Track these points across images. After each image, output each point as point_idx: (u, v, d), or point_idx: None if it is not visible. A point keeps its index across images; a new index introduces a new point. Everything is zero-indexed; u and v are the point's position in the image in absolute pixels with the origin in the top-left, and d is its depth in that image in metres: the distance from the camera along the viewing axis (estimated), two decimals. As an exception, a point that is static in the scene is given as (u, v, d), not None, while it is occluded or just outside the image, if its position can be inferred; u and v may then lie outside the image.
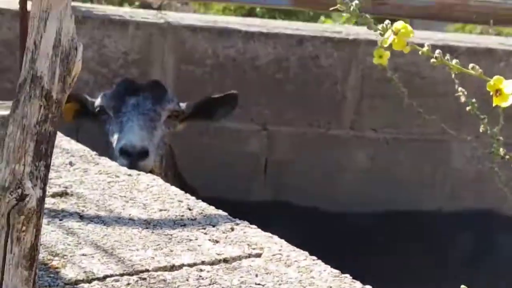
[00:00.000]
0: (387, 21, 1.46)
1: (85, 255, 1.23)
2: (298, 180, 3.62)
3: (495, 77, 1.26)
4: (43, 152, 0.94)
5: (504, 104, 1.28)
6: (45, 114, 0.95)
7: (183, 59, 3.43)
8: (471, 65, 1.35)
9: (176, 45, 3.42)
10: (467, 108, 2.23)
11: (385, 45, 1.42)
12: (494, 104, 1.29)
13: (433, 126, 3.61)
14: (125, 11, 3.56)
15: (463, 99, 2.20)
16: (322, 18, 6.41)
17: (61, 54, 0.98)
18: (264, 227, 3.02)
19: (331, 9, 1.85)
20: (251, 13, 10.34)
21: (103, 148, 3.28)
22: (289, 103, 3.53)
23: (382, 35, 1.42)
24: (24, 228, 0.92)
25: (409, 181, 3.70)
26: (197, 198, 3.11)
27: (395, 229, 3.32)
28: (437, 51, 1.36)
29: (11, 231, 0.92)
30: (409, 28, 1.42)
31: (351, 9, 1.49)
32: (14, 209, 0.91)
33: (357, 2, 1.49)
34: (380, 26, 1.46)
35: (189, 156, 3.50)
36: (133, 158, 2.59)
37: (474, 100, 1.82)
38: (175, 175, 3.00)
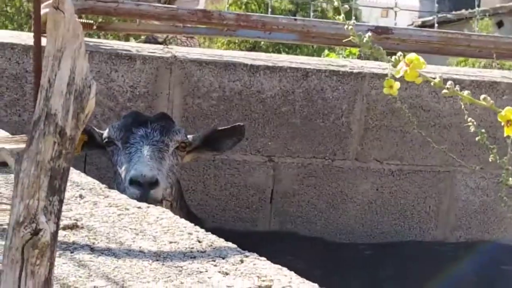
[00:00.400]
0: (399, 53, 1.49)
1: (97, 287, 1.25)
2: (304, 210, 3.65)
3: (507, 108, 1.29)
4: (57, 187, 0.97)
5: (517, 135, 1.31)
6: (59, 150, 0.97)
7: (189, 92, 3.47)
8: (482, 96, 1.38)
9: (183, 78, 3.45)
10: (477, 138, 2.25)
11: (398, 76, 1.46)
12: (505, 134, 1.32)
13: (437, 157, 3.63)
14: (132, 46, 3.60)
15: (472, 129, 2.23)
16: (326, 51, 6.47)
17: (75, 92, 1.00)
18: (271, 257, 3.04)
19: (344, 40, 1.89)
20: (255, 47, 10.42)
21: (110, 179, 3.32)
22: (295, 135, 3.56)
23: (394, 66, 1.46)
24: (38, 262, 0.94)
25: (413, 211, 3.72)
26: (203, 228, 3.15)
27: (400, 259, 3.32)
28: (449, 82, 1.39)
29: (25, 265, 0.94)
30: (421, 60, 1.45)
31: (364, 41, 1.53)
32: (28, 243, 0.93)
33: (369, 34, 1.53)
34: (393, 58, 1.50)
35: (196, 187, 3.53)
36: (144, 188, 2.62)
37: (483, 130, 1.85)
38: (182, 206, 3.02)
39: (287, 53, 9.90)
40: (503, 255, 3.32)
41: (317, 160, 3.60)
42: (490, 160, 2.14)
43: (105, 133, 2.93)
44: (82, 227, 1.48)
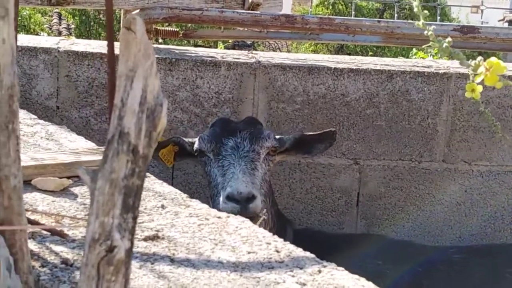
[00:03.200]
0: (479, 58, 1.47)
1: (175, 299, 1.27)
2: (391, 213, 3.62)
3: None
4: (131, 205, 0.99)
5: None
6: (132, 168, 1.00)
7: (274, 97, 3.49)
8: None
9: (267, 83, 3.48)
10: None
11: (477, 81, 1.44)
12: None
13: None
14: (217, 52, 3.64)
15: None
16: (414, 50, 6.39)
17: (147, 110, 1.02)
18: (360, 260, 3.03)
19: (424, 46, 1.88)
20: (342, 47, 10.40)
21: (198, 184, 3.37)
22: (380, 137, 3.54)
23: (474, 70, 1.44)
24: (113, 278, 0.97)
25: (504, 213, 3.65)
26: (293, 228, 3.16)
27: (491, 263, 3.26)
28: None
29: (101, 281, 0.97)
30: (502, 64, 1.43)
31: (444, 46, 1.51)
32: (104, 260, 0.96)
33: (450, 39, 1.51)
34: (472, 63, 1.48)
35: (282, 190, 3.55)
36: (242, 203, 2.69)
37: None
38: (273, 203, 3.06)
39: (374, 53, 9.83)
40: None
41: (403, 162, 3.57)
42: None
43: (196, 145, 2.97)
44: (163, 238, 1.51)
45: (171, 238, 1.51)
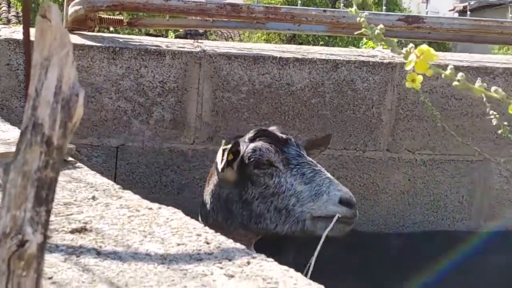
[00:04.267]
0: (410, 45, 1.47)
1: (99, 292, 1.25)
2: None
3: (517, 100, 1.25)
4: (44, 198, 0.97)
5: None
6: (45, 160, 0.98)
7: (219, 86, 3.47)
8: (493, 88, 1.35)
9: (212, 73, 3.46)
10: (499, 132, 2.22)
11: (408, 68, 1.43)
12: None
13: (470, 147, 3.58)
14: (162, 41, 3.61)
15: (495, 122, 2.19)
16: (364, 39, 6.41)
17: (62, 101, 1.00)
18: (303, 248, 3.04)
19: (356, 33, 1.87)
20: (294, 37, 10.40)
21: (141, 174, 3.33)
22: (325, 127, 3.55)
23: (405, 58, 1.43)
24: (24, 273, 0.95)
25: (446, 201, 3.68)
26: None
27: (433, 249, 3.30)
28: (460, 74, 1.37)
29: (11, 277, 0.94)
30: (432, 51, 1.43)
31: (375, 32, 1.51)
32: (15, 254, 0.94)
33: (382, 26, 1.51)
34: (404, 50, 1.47)
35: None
36: (355, 207, 2.71)
37: (506, 123, 1.82)
38: None
39: (326, 43, 9.85)
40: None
41: (348, 151, 3.58)
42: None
43: (263, 156, 2.85)
44: (91, 230, 1.49)
45: (99, 230, 1.49)
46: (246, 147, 2.88)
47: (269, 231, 2.83)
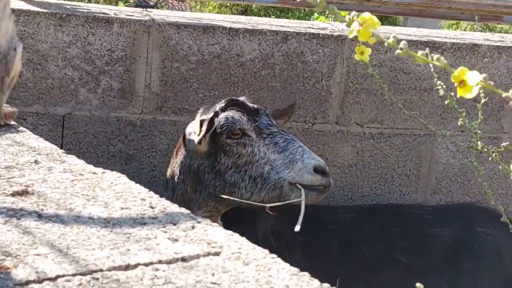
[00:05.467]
0: (353, 12, 1.45)
1: (39, 255, 1.23)
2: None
3: (459, 68, 1.24)
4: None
5: (468, 96, 1.26)
6: (-18, 115, 0.95)
7: (168, 56, 3.43)
8: (435, 56, 1.34)
9: (161, 42, 3.42)
10: (446, 102, 2.23)
11: (351, 36, 1.42)
12: (458, 95, 1.28)
13: (417, 121, 3.61)
14: (110, 9, 3.56)
15: (441, 92, 2.20)
16: (316, 14, 6.40)
17: (0, 54, 0.97)
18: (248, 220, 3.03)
19: (298, 0, 1.85)
20: (246, 10, 10.34)
21: (88, 143, 3.30)
22: (275, 99, 3.54)
23: (348, 26, 1.42)
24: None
25: (394, 175, 3.71)
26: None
27: (381, 222, 3.32)
28: (403, 42, 1.36)
29: None
30: (375, 19, 1.41)
31: (318, 0, 1.49)
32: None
33: (323, -8, 1.49)
34: (346, 18, 1.46)
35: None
36: (328, 176, 2.77)
37: (452, 93, 1.82)
38: None
39: (279, 16, 9.82)
40: (480, 217, 3.31)
41: (297, 123, 3.58)
42: (459, 124, 2.12)
43: (236, 126, 2.84)
44: (33, 193, 1.46)
45: (41, 194, 1.47)
46: (218, 111, 2.88)
47: (244, 200, 2.83)
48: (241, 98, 2.99)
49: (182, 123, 3.48)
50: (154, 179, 3.50)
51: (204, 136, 2.75)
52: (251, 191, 2.81)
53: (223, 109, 2.91)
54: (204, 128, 2.71)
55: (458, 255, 3.22)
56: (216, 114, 2.81)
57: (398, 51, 1.34)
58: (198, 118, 2.94)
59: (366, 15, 1.32)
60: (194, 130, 2.81)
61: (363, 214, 3.38)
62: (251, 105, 2.93)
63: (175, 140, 3.49)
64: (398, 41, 1.34)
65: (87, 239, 1.31)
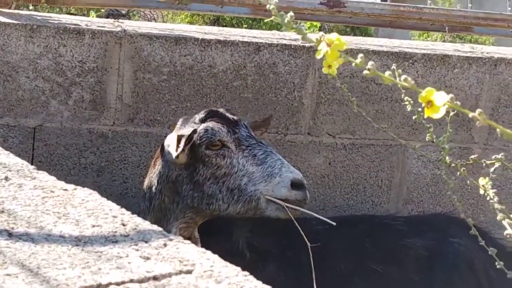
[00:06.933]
0: (321, 33, 1.46)
1: (9, 275, 1.22)
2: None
3: (427, 88, 1.25)
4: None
5: (436, 116, 1.27)
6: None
7: (140, 67, 3.42)
8: (403, 76, 1.35)
9: (133, 53, 3.41)
10: (414, 118, 2.24)
11: (318, 57, 1.42)
12: (425, 116, 1.29)
13: (389, 131, 3.62)
14: (81, 20, 3.54)
15: (409, 108, 2.21)
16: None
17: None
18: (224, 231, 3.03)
19: (266, 20, 1.85)
20: (218, 19, 10.34)
21: (60, 155, 3.27)
22: (247, 110, 3.54)
23: (316, 46, 1.42)
24: None
25: (366, 185, 3.72)
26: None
27: (354, 234, 3.33)
28: (370, 63, 1.36)
29: None
30: (343, 39, 1.42)
31: (285, 20, 1.49)
32: None
33: (292, 14, 1.49)
34: (314, 38, 1.46)
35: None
36: (305, 190, 2.78)
37: (420, 109, 1.83)
38: None
39: (251, 25, 9.84)
40: (453, 228, 3.33)
41: (269, 134, 3.58)
42: (427, 139, 2.13)
43: (215, 136, 2.84)
44: (3, 211, 1.45)
45: (11, 212, 1.45)
46: (197, 128, 2.87)
47: (222, 212, 2.83)
48: (221, 110, 2.98)
49: (154, 135, 3.47)
50: (126, 191, 3.48)
51: (181, 151, 2.74)
52: (228, 203, 2.81)
53: (202, 120, 2.91)
54: (182, 144, 2.71)
55: (431, 265, 3.24)
56: (194, 131, 2.80)
57: (365, 71, 1.34)
58: (177, 128, 2.94)
59: (333, 36, 1.32)
60: (171, 144, 2.80)
61: (337, 225, 3.38)
62: (231, 116, 2.93)
63: (147, 152, 3.48)
64: (366, 61, 1.35)
65: (58, 258, 1.30)
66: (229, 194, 2.80)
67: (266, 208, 2.77)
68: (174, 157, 2.75)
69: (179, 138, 2.74)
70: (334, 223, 2.69)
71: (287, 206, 2.73)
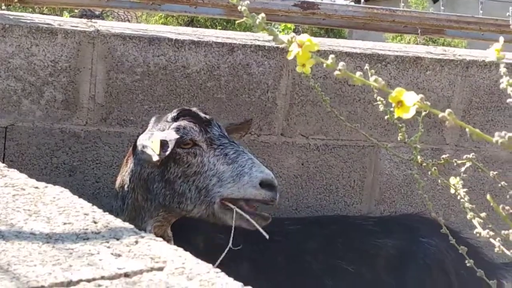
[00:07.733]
0: (292, 34, 1.46)
1: (-21, 272, 1.21)
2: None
3: (397, 89, 1.27)
4: None
5: (406, 116, 1.29)
6: None
7: (113, 67, 3.42)
8: (373, 77, 1.36)
9: (106, 53, 3.40)
10: (386, 117, 2.25)
11: (290, 58, 1.43)
12: (396, 116, 1.30)
13: (361, 131, 3.65)
14: (54, 19, 3.52)
15: (381, 108, 2.22)
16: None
17: None
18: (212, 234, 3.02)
19: (238, 21, 1.86)
20: (193, 21, 10.33)
21: (31, 155, 3.26)
22: (220, 110, 3.54)
23: (288, 47, 1.43)
24: None
25: (338, 186, 3.74)
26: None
27: (326, 234, 3.34)
28: (341, 63, 1.37)
29: None
30: (314, 41, 1.43)
31: (257, 21, 1.50)
32: None
33: (263, 15, 1.50)
34: (285, 39, 1.47)
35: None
36: (276, 190, 2.75)
37: (392, 108, 1.84)
38: None
39: (225, 26, 9.84)
40: (423, 228, 3.36)
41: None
42: (399, 139, 2.14)
43: (187, 135, 2.83)
44: (-27, 209, 1.44)
45: (-19, 209, 1.45)
46: (168, 126, 2.86)
47: (188, 213, 2.82)
48: (194, 109, 2.98)
49: (127, 135, 3.46)
50: (99, 191, 3.47)
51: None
52: (194, 203, 2.79)
53: (175, 119, 2.90)
54: (168, 151, 2.68)
55: (402, 265, 3.26)
56: (180, 138, 2.79)
57: (336, 72, 1.35)
58: (150, 128, 2.92)
59: (304, 37, 1.33)
60: (151, 147, 2.77)
61: (309, 226, 3.40)
62: (203, 115, 2.93)
63: (120, 152, 3.47)
64: (338, 62, 1.36)
65: (29, 255, 1.29)
66: (197, 194, 2.79)
67: (221, 211, 2.76)
68: (154, 160, 2.74)
69: (162, 144, 2.72)
70: (268, 236, 2.65)
71: (239, 213, 2.72)
